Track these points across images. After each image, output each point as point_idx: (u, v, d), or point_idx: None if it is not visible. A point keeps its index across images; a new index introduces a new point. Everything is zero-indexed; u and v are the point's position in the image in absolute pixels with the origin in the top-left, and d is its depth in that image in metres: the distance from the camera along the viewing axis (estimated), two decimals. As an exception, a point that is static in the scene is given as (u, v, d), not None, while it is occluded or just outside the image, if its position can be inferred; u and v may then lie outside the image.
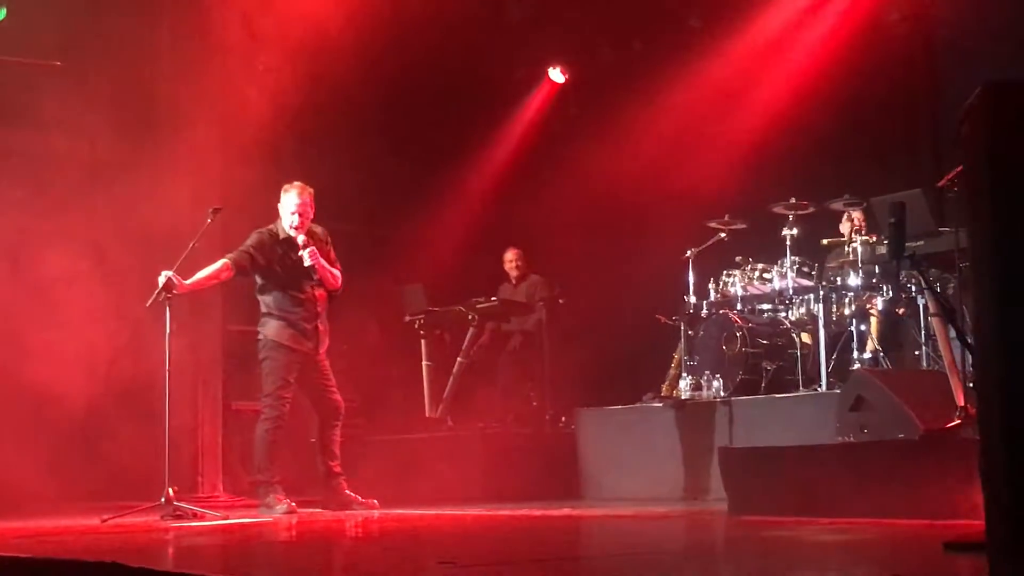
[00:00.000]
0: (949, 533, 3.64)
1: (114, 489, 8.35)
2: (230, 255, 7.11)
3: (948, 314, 4.22)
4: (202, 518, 6.66)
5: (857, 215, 8.09)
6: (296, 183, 7.22)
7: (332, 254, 7.37)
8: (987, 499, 2.86)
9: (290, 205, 7.15)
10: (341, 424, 7.34)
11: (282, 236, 7.19)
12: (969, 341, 4.09)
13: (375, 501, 7.26)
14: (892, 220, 4.75)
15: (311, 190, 7.24)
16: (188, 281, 6.95)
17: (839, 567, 3.60)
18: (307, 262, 7.10)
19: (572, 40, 10.48)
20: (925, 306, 7.18)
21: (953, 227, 6.50)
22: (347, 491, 7.27)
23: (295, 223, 7.12)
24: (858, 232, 7.85)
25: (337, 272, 7.32)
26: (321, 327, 7.25)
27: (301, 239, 7.12)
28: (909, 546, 4.06)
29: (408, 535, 5.41)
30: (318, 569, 3.93)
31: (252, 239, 7.18)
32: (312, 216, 7.24)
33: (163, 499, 6.66)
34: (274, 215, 7.30)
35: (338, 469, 7.29)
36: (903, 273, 6.87)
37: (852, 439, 6.09)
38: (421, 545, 4.82)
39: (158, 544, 5.14)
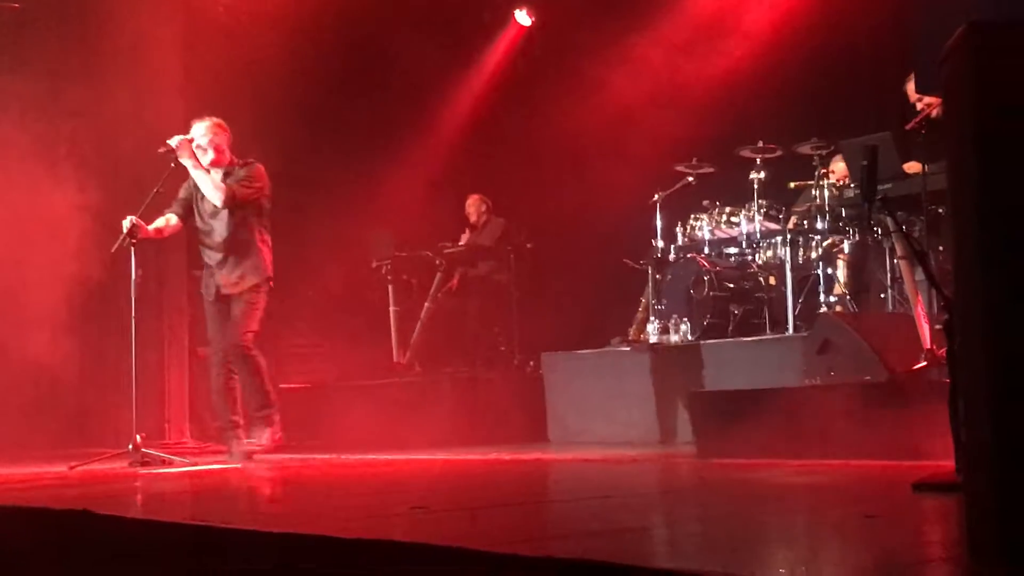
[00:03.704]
0: (917, 474, 3.67)
1: (77, 435, 8.30)
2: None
3: (920, 256, 4.23)
4: (170, 465, 6.63)
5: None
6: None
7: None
8: (960, 439, 2.88)
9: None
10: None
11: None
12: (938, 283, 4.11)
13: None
14: (864, 163, 4.74)
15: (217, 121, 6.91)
16: (152, 226, 6.86)
17: (809, 508, 3.63)
18: (173, 141, 6.72)
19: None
20: (891, 249, 7.20)
21: (921, 170, 6.54)
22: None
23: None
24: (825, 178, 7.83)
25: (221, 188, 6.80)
26: (226, 258, 6.91)
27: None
28: (878, 487, 4.10)
29: (379, 481, 5.41)
30: (289, 514, 3.91)
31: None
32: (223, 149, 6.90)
33: (131, 446, 6.61)
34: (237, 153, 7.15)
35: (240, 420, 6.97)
36: (873, 216, 6.89)
37: (819, 382, 6.13)
38: (392, 491, 4.82)
39: (127, 491, 5.12)
